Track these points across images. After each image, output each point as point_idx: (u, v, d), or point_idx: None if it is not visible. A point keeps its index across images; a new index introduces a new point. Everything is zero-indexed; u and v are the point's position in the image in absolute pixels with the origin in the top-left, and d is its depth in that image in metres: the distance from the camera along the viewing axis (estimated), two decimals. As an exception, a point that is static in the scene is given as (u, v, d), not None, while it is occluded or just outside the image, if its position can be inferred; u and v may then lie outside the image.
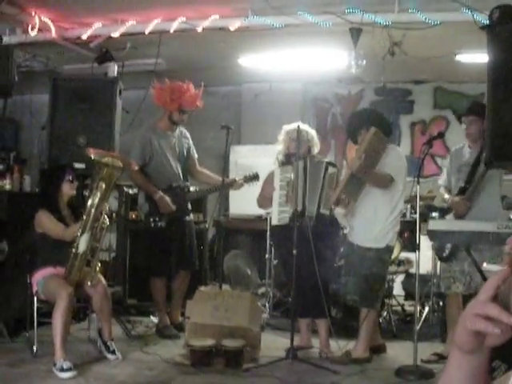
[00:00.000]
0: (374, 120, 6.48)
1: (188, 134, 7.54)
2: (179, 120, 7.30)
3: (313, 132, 6.78)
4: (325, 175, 6.54)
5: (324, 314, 6.44)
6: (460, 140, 10.21)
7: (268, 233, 8.47)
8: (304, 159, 6.54)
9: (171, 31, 7.46)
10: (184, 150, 7.45)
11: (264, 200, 6.86)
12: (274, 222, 6.67)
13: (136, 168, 6.54)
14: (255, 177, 7.24)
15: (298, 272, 6.18)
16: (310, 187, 6.46)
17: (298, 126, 6.48)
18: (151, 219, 7.10)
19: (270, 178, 6.78)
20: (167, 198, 7.10)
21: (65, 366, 5.56)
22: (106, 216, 6.12)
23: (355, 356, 6.26)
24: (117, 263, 8.34)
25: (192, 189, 7.47)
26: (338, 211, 6.74)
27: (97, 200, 5.95)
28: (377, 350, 6.74)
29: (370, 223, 6.25)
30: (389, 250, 6.47)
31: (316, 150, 6.77)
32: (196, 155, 7.63)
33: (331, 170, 6.61)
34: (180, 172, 7.35)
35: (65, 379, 5.51)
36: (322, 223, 6.49)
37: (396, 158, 6.41)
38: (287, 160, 6.65)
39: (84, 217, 5.96)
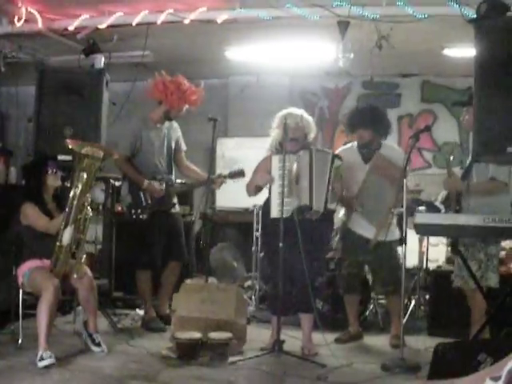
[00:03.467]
0: (375, 121, 6.77)
1: (176, 126, 7.52)
2: (176, 117, 7.31)
3: (308, 117, 6.50)
4: (331, 168, 6.28)
5: (310, 309, 6.35)
6: (447, 134, 10.31)
7: (258, 225, 8.43)
8: (309, 149, 6.29)
9: (158, 23, 7.43)
10: (172, 143, 7.43)
11: (253, 186, 6.51)
12: (274, 214, 6.21)
13: (117, 157, 6.50)
14: (240, 173, 7.15)
15: (292, 266, 6.13)
16: (316, 180, 6.21)
17: (287, 120, 6.34)
18: (133, 211, 7.07)
19: (265, 164, 6.45)
20: (156, 183, 7.08)
21: (44, 356, 5.56)
22: (88, 207, 6.09)
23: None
24: (103, 256, 8.32)
25: (177, 182, 7.45)
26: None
27: (78, 191, 5.89)
28: (356, 336, 6.95)
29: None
30: None
31: (312, 135, 6.51)
32: (184, 148, 7.60)
33: (337, 162, 6.35)
34: (165, 165, 7.34)
35: (42, 368, 5.49)
36: (323, 217, 6.35)
37: (399, 158, 6.57)
38: (282, 147, 6.25)
39: (66, 209, 5.94)
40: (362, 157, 6.83)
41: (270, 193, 6.38)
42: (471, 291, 6.06)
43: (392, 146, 6.90)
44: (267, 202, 6.42)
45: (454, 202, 6.19)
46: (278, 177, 6.23)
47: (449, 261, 8.05)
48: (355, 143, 6.93)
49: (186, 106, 7.27)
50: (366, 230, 6.71)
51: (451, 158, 6.49)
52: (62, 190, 6.52)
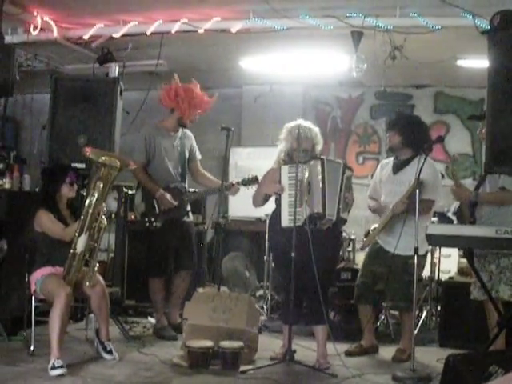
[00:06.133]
0: (404, 128, 6.71)
1: (190, 134, 7.53)
2: (189, 122, 7.33)
3: (316, 129, 6.46)
4: (342, 177, 6.28)
5: (322, 320, 6.29)
6: (460, 145, 10.29)
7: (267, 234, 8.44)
8: (321, 159, 6.27)
9: (173, 32, 7.46)
10: (186, 151, 7.44)
11: (261, 196, 6.52)
12: (285, 223, 6.21)
13: (134, 167, 6.53)
14: (254, 180, 7.16)
15: (303, 276, 6.09)
16: (328, 189, 6.18)
17: (299, 125, 6.34)
18: (146, 219, 7.09)
19: (272, 175, 6.46)
20: (168, 195, 7.10)
21: (56, 364, 5.58)
22: (103, 216, 6.11)
23: (409, 353, 6.34)
24: (115, 264, 8.34)
25: (190, 190, 7.46)
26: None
27: (94, 200, 5.94)
28: (369, 350, 6.88)
29: (412, 234, 6.10)
30: (426, 256, 6.87)
31: (319, 147, 6.46)
32: (199, 156, 7.62)
33: (348, 172, 6.36)
34: (179, 173, 7.35)
35: (54, 376, 5.51)
36: (332, 227, 6.32)
37: (432, 175, 6.54)
38: (290, 158, 6.32)
39: (82, 217, 5.97)
40: (393, 167, 6.84)
41: (278, 203, 6.39)
42: (487, 302, 6.03)
43: (427, 161, 6.25)
44: (275, 213, 6.44)
45: (467, 214, 6.15)
46: (288, 186, 6.23)
47: (461, 272, 8.04)
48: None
49: (199, 111, 7.29)
50: (387, 243, 6.70)
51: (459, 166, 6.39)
52: (76, 199, 6.55)
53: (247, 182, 7.15)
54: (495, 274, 5.92)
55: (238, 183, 7.21)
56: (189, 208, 7.45)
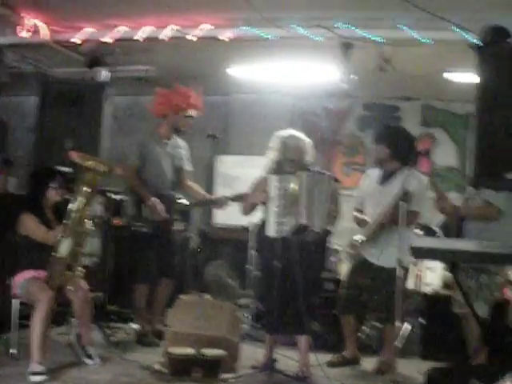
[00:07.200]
0: (391, 141, 6.75)
1: (184, 144, 7.53)
2: (184, 126, 7.32)
3: (306, 139, 6.47)
4: (329, 189, 6.29)
5: (305, 331, 6.30)
6: (446, 158, 10.31)
7: (251, 243, 8.43)
8: (308, 170, 6.30)
9: (161, 38, 7.46)
10: (178, 160, 7.45)
11: (249, 205, 6.51)
12: (271, 233, 6.21)
13: (120, 173, 6.52)
14: (242, 197, 7.15)
15: (287, 286, 6.10)
16: (314, 201, 6.17)
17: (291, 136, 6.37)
18: (135, 223, 7.08)
19: (261, 184, 6.43)
20: (159, 205, 7.09)
21: (36, 370, 5.55)
22: (88, 221, 6.09)
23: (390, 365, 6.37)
24: (99, 269, 8.32)
25: (180, 199, 7.45)
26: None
27: (79, 204, 5.93)
28: (351, 361, 6.88)
29: (395, 245, 6.16)
30: (409, 268, 6.88)
31: (309, 158, 6.46)
32: (190, 168, 7.63)
33: (335, 185, 6.40)
34: (170, 180, 7.35)
35: (34, 383, 5.49)
36: (318, 238, 6.33)
37: (418, 187, 6.54)
38: (280, 167, 6.33)
39: (65, 221, 5.94)
40: (378, 178, 6.86)
41: (265, 212, 6.38)
42: (464, 315, 6.03)
43: (414, 173, 6.51)
44: (262, 222, 6.43)
45: (454, 228, 6.15)
46: (275, 196, 6.22)
47: (444, 285, 8.05)
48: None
49: (191, 114, 7.27)
50: (371, 255, 6.71)
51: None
52: (62, 203, 6.53)
53: (236, 199, 7.13)
54: (474, 290, 5.91)
55: (227, 198, 7.20)
56: (177, 217, 7.44)
